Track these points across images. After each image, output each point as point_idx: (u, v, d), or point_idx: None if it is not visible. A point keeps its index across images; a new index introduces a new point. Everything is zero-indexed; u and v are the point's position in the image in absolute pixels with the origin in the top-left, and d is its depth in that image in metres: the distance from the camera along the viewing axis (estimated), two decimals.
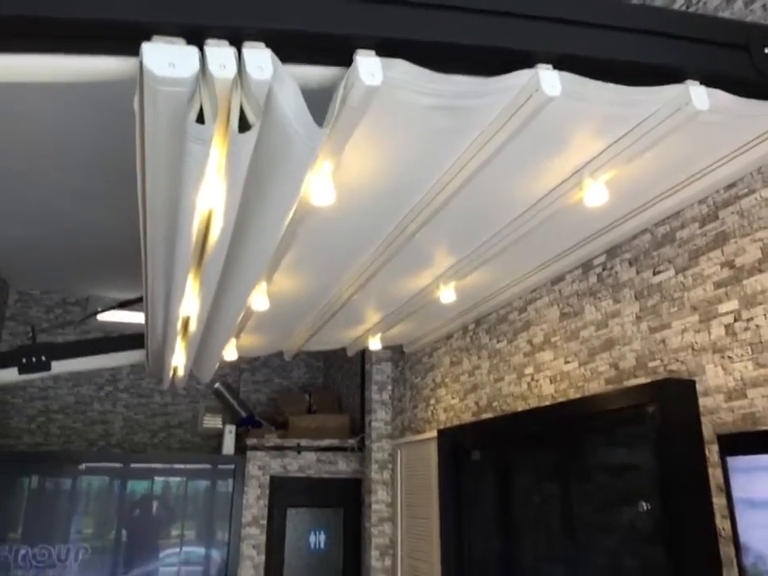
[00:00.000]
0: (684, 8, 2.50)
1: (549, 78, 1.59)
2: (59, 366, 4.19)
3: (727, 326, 2.18)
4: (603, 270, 2.87)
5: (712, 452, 2.14)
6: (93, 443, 6.75)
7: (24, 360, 3.91)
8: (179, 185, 1.63)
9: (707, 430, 2.20)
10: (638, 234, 2.65)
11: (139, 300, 4.91)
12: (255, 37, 1.32)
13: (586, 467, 2.75)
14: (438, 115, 1.71)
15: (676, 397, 2.26)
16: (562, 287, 3.17)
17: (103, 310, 5.22)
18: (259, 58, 1.30)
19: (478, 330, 4.01)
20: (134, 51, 1.25)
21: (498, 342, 3.74)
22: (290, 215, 1.99)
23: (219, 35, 1.29)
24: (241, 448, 5.62)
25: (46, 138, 3.91)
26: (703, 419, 2.23)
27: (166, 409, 7.02)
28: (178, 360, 4.14)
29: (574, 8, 1.68)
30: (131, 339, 4.71)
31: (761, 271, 2.07)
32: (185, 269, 2.29)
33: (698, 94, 1.71)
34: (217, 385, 6.63)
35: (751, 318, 2.09)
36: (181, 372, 4.52)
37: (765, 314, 2.04)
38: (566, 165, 2.13)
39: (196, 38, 1.28)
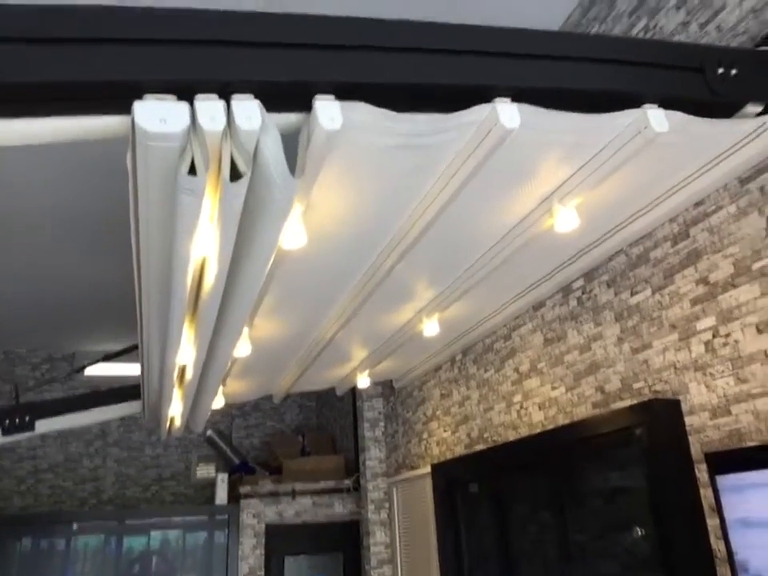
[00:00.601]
0: (642, 33, 2.57)
1: (507, 111, 1.61)
2: (45, 425, 4.12)
3: (706, 343, 2.18)
4: (582, 293, 2.88)
5: (701, 471, 2.12)
6: (84, 501, 6.59)
7: (7, 421, 3.84)
8: (173, 236, 1.66)
9: (695, 450, 2.18)
10: (613, 255, 2.67)
11: (123, 352, 4.87)
12: (243, 89, 1.36)
13: (579, 493, 2.72)
14: (401, 153, 1.73)
15: (662, 417, 2.25)
16: (544, 312, 3.17)
17: (88, 365, 5.16)
18: (247, 108, 1.34)
19: (465, 361, 3.99)
20: (126, 109, 1.29)
21: (486, 371, 3.73)
22: (272, 259, 2.00)
23: (208, 89, 1.33)
24: (235, 496, 5.50)
25: (27, 198, 3.92)
26: (691, 438, 2.21)
27: (157, 461, 6.89)
28: (175, 410, 4.09)
29: (529, 42, 1.72)
30: (119, 392, 4.65)
31: (734, 286, 2.08)
32: (180, 317, 2.29)
33: (656, 116, 1.74)
34: (209, 432, 6.54)
35: (729, 334, 2.10)
36: (178, 422, 4.46)
37: (742, 329, 2.05)
38: (535, 193, 2.15)
39: (186, 94, 1.32)
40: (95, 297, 5.52)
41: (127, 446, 6.87)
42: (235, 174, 1.39)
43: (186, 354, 2.84)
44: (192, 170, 1.36)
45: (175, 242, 1.68)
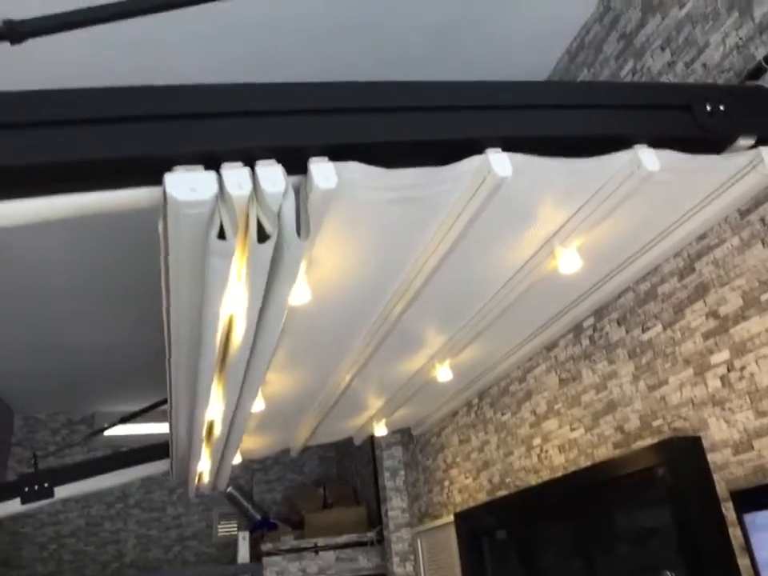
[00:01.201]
0: (630, 75, 2.61)
1: (499, 161, 1.64)
2: (65, 491, 4.11)
3: (722, 377, 2.15)
4: (594, 331, 2.86)
5: (729, 510, 2.06)
6: (106, 565, 6.52)
7: (26, 489, 3.83)
8: (203, 296, 1.74)
9: (720, 488, 2.12)
10: (622, 293, 2.66)
11: (140, 413, 4.88)
12: (266, 155, 1.44)
13: (606, 537, 2.64)
14: (398, 207, 1.76)
15: (684, 455, 2.20)
16: (557, 353, 3.14)
17: (108, 428, 5.16)
18: (271, 173, 1.41)
19: (482, 405, 3.95)
20: (155, 181, 1.37)
21: (503, 414, 3.68)
22: (284, 316, 2.05)
23: (233, 158, 1.41)
24: (257, 554, 5.41)
25: (42, 271, 4.02)
26: (715, 476, 2.15)
27: (179, 521, 6.81)
28: (203, 466, 4.10)
29: (515, 93, 1.76)
30: (139, 454, 4.64)
31: (745, 318, 2.06)
32: (210, 373, 2.36)
33: (647, 156, 1.76)
34: (229, 489, 6.47)
35: (744, 367, 2.06)
36: (206, 478, 4.45)
37: (756, 361, 2.02)
38: (536, 236, 2.16)
39: (213, 163, 1.40)
40: (112, 359, 5.59)
41: (149, 507, 6.81)
42: (262, 236, 1.46)
43: (215, 409, 2.89)
44: (221, 234, 1.43)
45: (205, 302, 1.76)
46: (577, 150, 1.74)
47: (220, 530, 6.84)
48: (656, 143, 1.79)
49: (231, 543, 6.40)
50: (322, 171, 1.49)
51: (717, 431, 2.16)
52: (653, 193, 1.95)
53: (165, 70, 2.76)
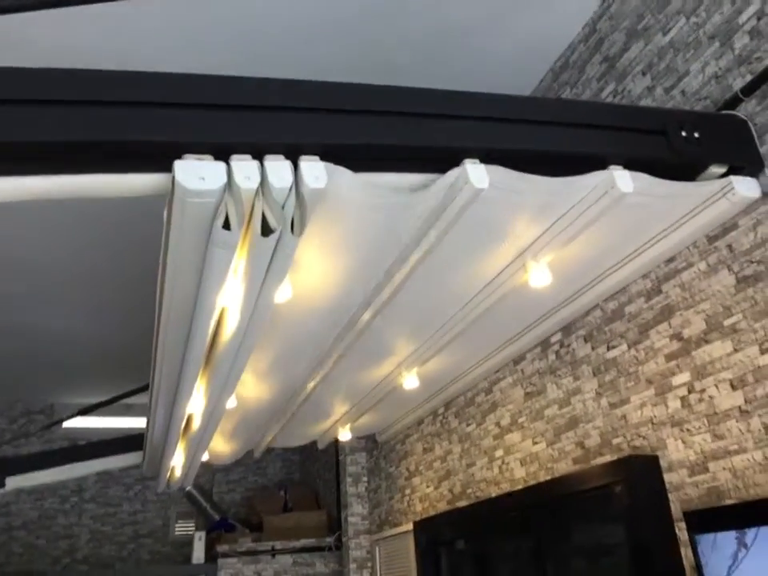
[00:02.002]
0: (611, 97, 2.65)
1: (476, 172, 1.65)
2: (16, 482, 4.01)
3: (682, 398, 2.19)
4: (561, 347, 2.89)
5: (682, 530, 2.09)
6: (57, 560, 6.36)
7: None
8: (200, 287, 1.76)
9: (675, 508, 2.15)
10: (590, 310, 2.69)
11: (100, 405, 4.79)
12: (275, 151, 1.46)
13: (562, 553, 2.66)
14: (375, 213, 1.76)
15: (641, 474, 2.23)
16: (524, 366, 3.17)
17: (66, 419, 5.05)
18: (279, 168, 1.43)
19: (447, 414, 3.96)
20: (165, 168, 1.38)
21: (468, 425, 3.69)
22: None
23: (242, 150, 1.42)
24: (213, 555, 5.33)
25: (2, 251, 3.92)
26: (670, 496, 2.18)
27: (135, 518, 6.69)
28: (177, 460, 4.10)
29: (495, 106, 1.78)
30: (97, 448, 4.55)
31: (707, 342, 2.10)
32: (196, 367, 2.39)
33: (621, 177, 1.79)
34: (188, 488, 6.37)
35: (704, 390, 2.10)
36: (178, 473, 4.42)
37: (716, 385, 2.05)
38: (508, 249, 2.18)
39: (222, 154, 1.41)
40: (72, 350, 5.47)
41: (104, 503, 6.68)
42: (265, 230, 1.47)
43: (196, 403, 2.91)
44: (225, 225, 1.45)
45: (202, 292, 1.78)
46: (553, 167, 1.77)
47: (177, 529, 6.73)
48: (631, 165, 1.82)
49: (188, 543, 6.29)
50: (313, 170, 1.49)
51: (674, 451, 2.20)
52: (625, 214, 1.99)
53: (141, 57, 2.73)
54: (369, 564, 4.86)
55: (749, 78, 1.99)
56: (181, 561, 6.35)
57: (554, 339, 2.94)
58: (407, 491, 4.41)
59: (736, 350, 1.99)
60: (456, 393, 3.77)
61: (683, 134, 1.88)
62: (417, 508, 4.23)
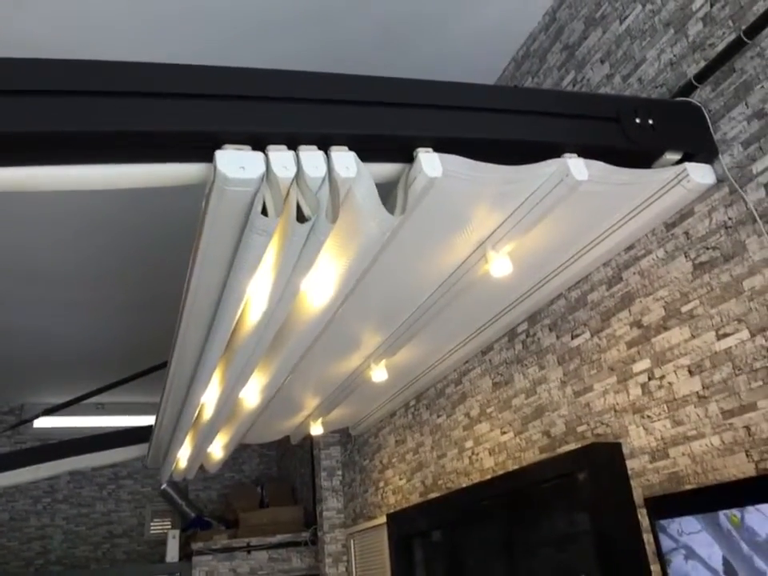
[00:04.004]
0: (571, 86, 2.65)
1: (430, 161, 1.63)
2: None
3: (643, 385, 2.20)
4: (527, 336, 2.89)
5: (644, 516, 2.10)
6: (30, 562, 6.27)
7: None
8: (233, 274, 1.80)
9: (637, 494, 2.17)
10: (554, 299, 2.69)
11: (66, 405, 4.71)
12: (308, 141, 1.52)
13: (529, 541, 2.67)
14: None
15: (604, 462, 2.24)
16: (492, 356, 3.17)
17: (32, 419, 4.98)
18: (313, 158, 1.50)
19: (419, 407, 3.95)
20: (206, 157, 1.44)
21: (438, 416, 3.69)
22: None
23: (278, 141, 1.50)
24: (188, 553, 5.29)
25: None
26: (633, 482, 2.20)
27: (109, 517, 6.61)
28: (184, 452, 4.13)
29: (450, 93, 1.76)
30: (67, 446, 4.48)
31: (666, 329, 2.11)
32: (217, 355, 2.44)
33: (576, 165, 1.78)
34: (164, 485, 6.33)
35: (663, 376, 2.11)
36: (183, 464, 4.45)
37: (675, 371, 2.07)
38: (468, 239, 2.16)
39: (259, 145, 1.48)
40: (43, 348, 5.37)
41: (77, 503, 6.59)
42: (300, 217, 1.53)
43: (211, 392, 2.96)
44: (263, 213, 1.50)
45: (234, 279, 1.82)
46: (508, 155, 1.75)
47: (152, 528, 6.67)
48: (585, 153, 1.81)
49: (164, 542, 6.23)
50: (344, 160, 1.54)
51: (636, 438, 2.21)
52: (582, 202, 1.98)
53: (109, 46, 2.67)
54: (344, 558, 4.86)
55: (702, 64, 1.99)
56: (157, 560, 6.30)
57: (520, 329, 2.94)
58: (381, 484, 4.41)
59: (693, 336, 2.00)
60: (427, 384, 3.77)
61: (637, 120, 1.88)
62: (390, 501, 4.23)
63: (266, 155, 1.46)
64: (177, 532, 5.42)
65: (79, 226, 3.79)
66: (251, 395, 3.16)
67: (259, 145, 1.47)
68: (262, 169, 1.44)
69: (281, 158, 1.47)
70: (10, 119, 1.31)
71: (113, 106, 1.39)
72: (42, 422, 6.02)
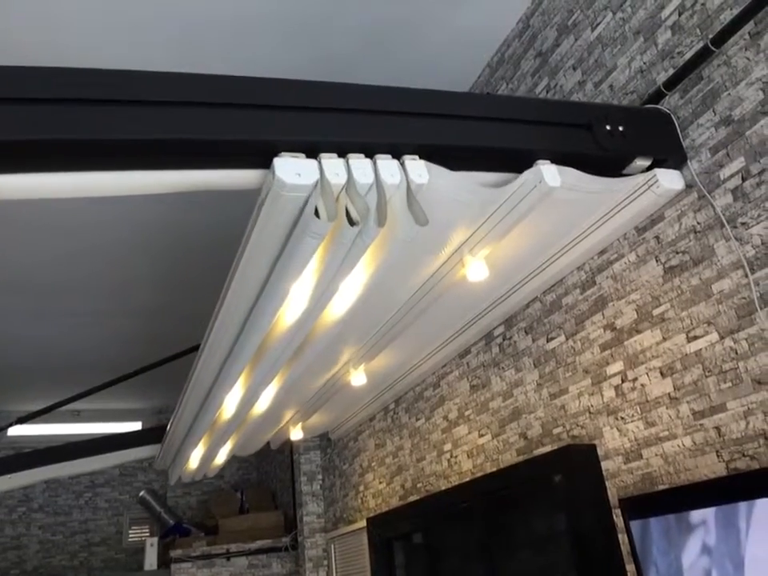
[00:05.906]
0: (544, 92, 2.68)
1: (417, 168, 1.66)
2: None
3: (616, 387, 2.23)
4: (503, 339, 2.92)
5: (619, 516, 2.13)
6: (5, 572, 6.17)
7: None
8: (277, 275, 1.89)
9: (612, 495, 2.20)
10: (530, 302, 2.72)
11: (41, 413, 4.65)
12: (355, 149, 1.61)
13: (507, 543, 2.69)
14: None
15: (579, 463, 2.27)
16: (469, 360, 3.19)
17: (5, 427, 4.90)
18: (362, 165, 1.60)
19: (398, 410, 3.97)
20: (263, 164, 1.54)
21: (417, 420, 3.70)
22: None
23: (328, 149, 1.59)
24: (167, 561, 5.24)
25: None
26: (607, 483, 2.23)
27: (86, 525, 6.53)
28: (196, 453, 4.18)
29: (426, 101, 1.78)
30: (43, 455, 4.43)
31: (638, 332, 2.14)
32: (249, 355, 2.52)
33: (549, 172, 1.81)
34: (142, 493, 6.27)
35: (636, 378, 2.15)
36: (194, 465, 4.49)
37: (647, 373, 2.10)
38: (447, 245, 2.18)
39: (312, 153, 1.57)
40: (17, 355, 5.29)
41: (53, 511, 6.49)
42: (349, 221, 1.61)
43: (234, 393, 3.05)
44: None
45: (279, 280, 1.91)
46: (482, 161, 1.77)
47: (131, 536, 6.60)
48: (558, 159, 1.84)
49: (142, 549, 6.17)
50: (389, 168, 1.63)
51: (610, 440, 2.24)
52: (556, 207, 2.01)
53: (77, 50, 2.65)
54: (325, 562, 4.85)
55: (671, 72, 2.03)
56: (135, 568, 6.22)
57: (497, 332, 2.96)
58: (361, 488, 4.41)
59: (665, 339, 2.04)
60: (405, 388, 3.78)
61: (608, 127, 1.91)
62: (370, 504, 4.24)
63: (320, 163, 1.55)
64: (155, 540, 5.37)
65: (49, 237, 3.76)
66: (264, 398, 3.22)
67: (312, 153, 1.56)
68: (316, 176, 1.53)
69: (333, 165, 1.56)
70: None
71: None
72: (16, 430, 5.92)
